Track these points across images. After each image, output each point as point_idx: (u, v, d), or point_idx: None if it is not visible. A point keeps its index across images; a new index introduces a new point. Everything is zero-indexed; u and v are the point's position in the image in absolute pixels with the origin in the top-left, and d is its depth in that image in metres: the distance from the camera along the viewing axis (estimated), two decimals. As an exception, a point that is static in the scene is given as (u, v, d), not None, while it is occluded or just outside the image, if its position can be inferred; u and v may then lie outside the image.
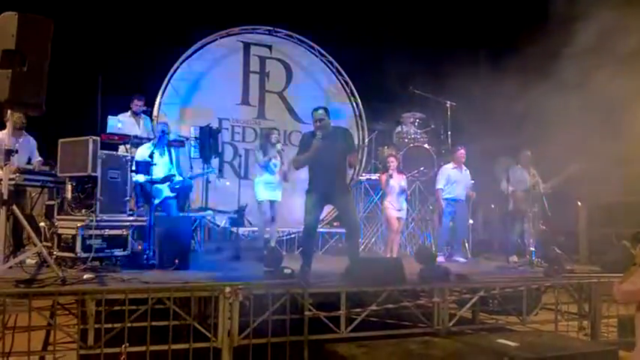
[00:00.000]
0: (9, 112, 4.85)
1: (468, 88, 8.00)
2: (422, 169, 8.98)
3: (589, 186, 7.40)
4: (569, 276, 5.97)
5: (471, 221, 8.62)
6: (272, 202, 7.54)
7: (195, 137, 8.60)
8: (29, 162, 6.52)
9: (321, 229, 10.11)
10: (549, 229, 7.24)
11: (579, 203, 7.89)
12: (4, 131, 5.47)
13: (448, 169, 8.14)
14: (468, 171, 8.19)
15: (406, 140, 9.45)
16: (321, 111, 5.87)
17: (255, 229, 8.08)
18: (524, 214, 7.37)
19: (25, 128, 6.57)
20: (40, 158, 6.64)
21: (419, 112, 9.65)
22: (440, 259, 7.67)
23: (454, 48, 9.52)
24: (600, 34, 6.16)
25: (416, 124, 9.68)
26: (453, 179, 8.05)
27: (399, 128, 9.69)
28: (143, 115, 8.23)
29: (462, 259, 7.91)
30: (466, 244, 8.44)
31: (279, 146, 7.52)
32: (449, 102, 9.15)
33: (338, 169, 5.76)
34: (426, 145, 9.33)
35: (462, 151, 8.14)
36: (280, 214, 7.81)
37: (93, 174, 5.61)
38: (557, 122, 6.45)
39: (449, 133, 9.20)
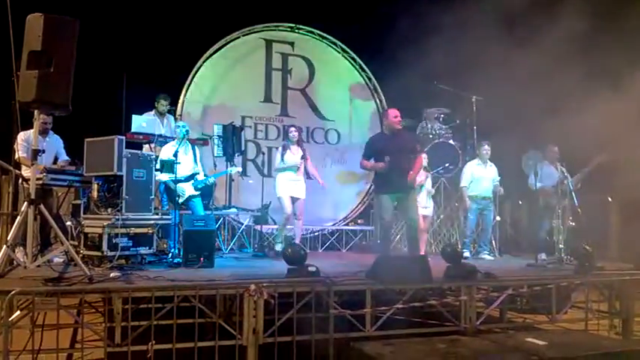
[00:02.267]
0: (36, 112, 4.90)
1: (494, 82, 7.87)
2: (447, 165, 8.86)
3: (619, 181, 7.24)
4: (600, 273, 5.84)
5: (498, 218, 8.49)
6: (294, 199, 7.43)
7: (219, 135, 8.64)
8: (55, 162, 6.60)
9: (345, 227, 10.12)
10: (579, 225, 7.09)
11: (610, 199, 7.73)
12: (31, 131, 5.54)
13: (472, 166, 8.06)
14: (493, 166, 8.08)
15: (431, 136, 9.35)
16: (397, 110, 6.47)
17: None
18: (553, 210, 7.23)
19: (52, 128, 6.65)
20: (67, 158, 6.71)
21: (444, 108, 9.53)
22: (466, 256, 7.59)
23: (479, 40, 9.38)
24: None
25: (440, 119, 9.57)
26: (478, 176, 7.96)
27: (423, 124, 9.59)
28: (167, 114, 8.30)
29: (489, 257, 7.82)
30: (493, 242, 8.32)
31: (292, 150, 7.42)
32: (474, 96, 9.01)
33: (406, 170, 6.25)
34: (451, 141, 9.22)
35: (486, 147, 8.05)
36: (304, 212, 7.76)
37: (118, 173, 5.67)
38: (587, 114, 6.31)
39: (474, 128, 9.06)
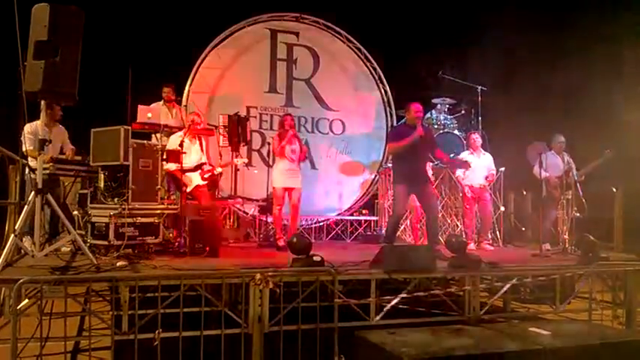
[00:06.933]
0: (42, 102, 4.92)
1: (499, 72, 7.87)
2: (452, 155, 8.85)
3: (624, 172, 7.24)
4: (604, 264, 5.85)
5: (502, 208, 8.49)
6: (291, 190, 7.23)
7: (224, 126, 8.65)
8: (61, 152, 6.64)
9: (349, 217, 10.14)
10: (583, 215, 7.08)
11: (614, 189, 7.71)
12: (36, 122, 5.56)
13: (464, 156, 8.04)
14: (487, 155, 8.06)
15: (436, 126, 9.34)
16: (420, 105, 6.56)
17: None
18: (557, 200, 7.23)
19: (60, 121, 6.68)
20: (72, 146, 6.73)
21: (449, 98, 9.50)
22: (470, 246, 7.60)
23: (484, 30, 9.35)
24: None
25: (446, 109, 9.55)
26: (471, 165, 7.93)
27: (428, 114, 9.57)
28: (174, 104, 8.33)
29: (489, 247, 7.79)
30: (497, 232, 8.33)
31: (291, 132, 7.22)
32: (480, 86, 8.99)
33: (424, 162, 6.67)
34: (456, 132, 9.21)
35: (474, 136, 8.04)
36: (306, 203, 7.71)
37: (125, 163, 5.69)
38: (593, 107, 6.30)
39: (479, 118, 9.04)
